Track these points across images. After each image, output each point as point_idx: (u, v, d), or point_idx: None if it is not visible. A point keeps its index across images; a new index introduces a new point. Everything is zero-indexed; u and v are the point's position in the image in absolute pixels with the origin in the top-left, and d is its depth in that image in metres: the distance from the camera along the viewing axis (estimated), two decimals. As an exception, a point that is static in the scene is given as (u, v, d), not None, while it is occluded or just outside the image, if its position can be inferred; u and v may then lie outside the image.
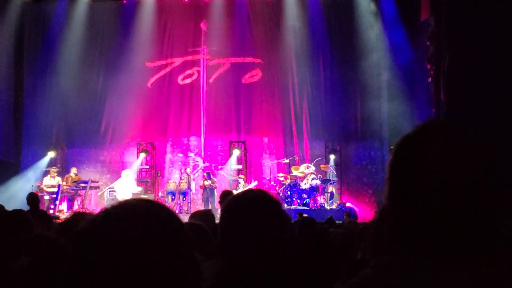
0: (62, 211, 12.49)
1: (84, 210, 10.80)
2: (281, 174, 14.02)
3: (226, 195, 5.72)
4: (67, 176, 13.67)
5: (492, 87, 9.73)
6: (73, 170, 13.80)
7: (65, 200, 12.94)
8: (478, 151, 0.92)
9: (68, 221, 2.59)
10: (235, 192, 12.36)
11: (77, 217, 2.57)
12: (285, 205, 12.67)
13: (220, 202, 5.80)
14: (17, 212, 3.05)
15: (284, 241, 1.59)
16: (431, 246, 0.90)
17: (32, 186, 12.69)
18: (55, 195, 12.53)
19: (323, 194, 13.65)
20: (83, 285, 0.85)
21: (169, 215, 0.95)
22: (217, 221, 2.73)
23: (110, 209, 0.93)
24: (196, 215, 3.91)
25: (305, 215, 8.86)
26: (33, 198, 6.65)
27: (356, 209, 13.41)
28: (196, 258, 0.94)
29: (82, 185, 13.08)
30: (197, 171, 14.62)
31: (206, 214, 5.35)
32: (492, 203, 0.90)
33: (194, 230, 2.60)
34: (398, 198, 0.95)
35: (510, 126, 9.11)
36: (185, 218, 5.83)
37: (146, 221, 0.90)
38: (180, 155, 15.22)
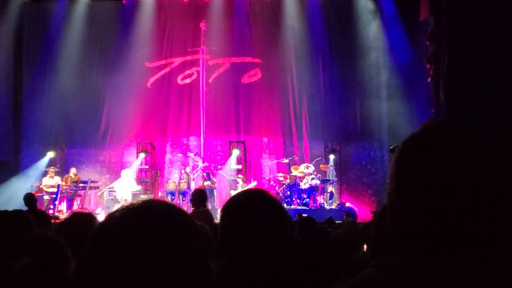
0: (62, 211, 12.48)
1: (83, 210, 10.81)
2: (280, 174, 14.01)
3: (196, 194, 5.72)
4: (66, 176, 13.65)
5: (492, 87, 9.72)
6: (73, 170, 13.79)
7: (65, 200, 12.94)
8: (480, 152, 0.92)
9: (67, 221, 2.59)
10: (234, 192, 12.39)
11: (77, 217, 2.57)
12: (285, 205, 12.67)
13: (191, 200, 5.74)
14: (17, 212, 3.04)
15: (284, 241, 1.59)
16: (431, 246, 0.90)
17: (32, 186, 12.68)
18: (54, 195, 12.52)
19: (323, 194, 13.65)
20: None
21: (183, 216, 0.94)
22: (217, 221, 2.73)
23: (124, 211, 0.92)
24: (194, 215, 3.91)
25: (304, 215, 8.87)
26: (30, 199, 6.63)
27: (355, 209, 13.41)
28: (206, 261, 0.93)
29: (82, 185, 13.07)
30: (197, 171, 14.61)
31: (205, 214, 5.36)
32: (492, 203, 0.90)
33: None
34: (400, 197, 0.95)
35: (510, 126, 9.10)
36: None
37: (158, 222, 0.89)
38: (180, 155, 15.22)
